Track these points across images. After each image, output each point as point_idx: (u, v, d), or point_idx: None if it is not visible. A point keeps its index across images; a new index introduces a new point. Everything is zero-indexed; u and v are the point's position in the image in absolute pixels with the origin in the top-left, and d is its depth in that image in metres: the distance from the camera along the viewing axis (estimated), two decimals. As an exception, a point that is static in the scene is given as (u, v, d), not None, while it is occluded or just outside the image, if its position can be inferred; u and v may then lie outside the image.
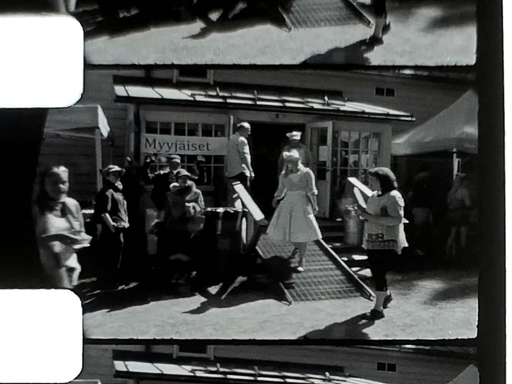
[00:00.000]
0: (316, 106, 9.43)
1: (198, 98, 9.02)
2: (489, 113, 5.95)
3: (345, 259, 8.78)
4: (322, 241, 8.96)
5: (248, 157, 9.25)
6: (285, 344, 7.06)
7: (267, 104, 9.31)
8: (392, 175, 7.87)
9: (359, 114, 9.53)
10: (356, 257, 8.66)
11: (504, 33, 5.94)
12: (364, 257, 8.02)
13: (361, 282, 8.33)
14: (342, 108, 9.43)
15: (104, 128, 8.41)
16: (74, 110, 6.53)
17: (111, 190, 8.21)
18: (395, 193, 7.73)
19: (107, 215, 8.13)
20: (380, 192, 7.80)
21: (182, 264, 8.54)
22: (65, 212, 6.62)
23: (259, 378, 7.14)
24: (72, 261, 6.59)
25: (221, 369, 7.07)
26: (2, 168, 5.94)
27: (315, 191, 8.79)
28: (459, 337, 6.75)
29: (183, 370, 7.16)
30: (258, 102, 9.20)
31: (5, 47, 5.83)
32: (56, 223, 6.54)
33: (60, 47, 5.86)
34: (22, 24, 5.81)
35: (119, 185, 8.29)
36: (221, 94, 9.02)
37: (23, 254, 5.99)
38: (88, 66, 6.08)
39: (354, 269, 8.56)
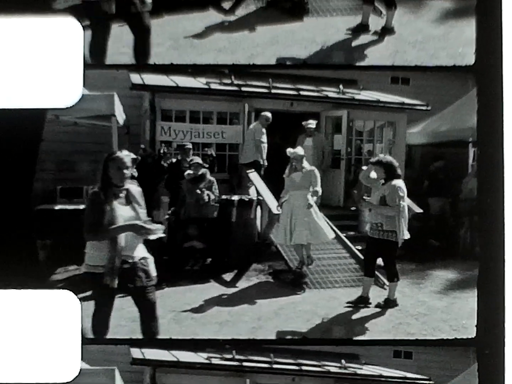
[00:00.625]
0: (331, 94, 9.36)
1: (213, 86, 8.96)
2: (489, 111, 5.92)
3: (359, 247, 8.77)
4: (336, 230, 8.98)
5: (264, 146, 9.25)
6: (284, 343, 7.12)
7: (282, 92, 9.24)
8: (395, 163, 7.77)
9: (374, 103, 9.44)
10: (370, 245, 8.64)
11: (504, 31, 5.90)
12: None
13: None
14: (357, 97, 9.34)
15: (120, 116, 8.41)
16: (91, 98, 6.56)
17: (125, 178, 8.25)
18: (397, 182, 7.66)
19: (121, 202, 8.16)
20: (383, 181, 7.74)
21: (197, 251, 8.60)
22: (129, 199, 6.27)
23: (275, 366, 7.14)
24: (142, 251, 6.26)
25: (237, 357, 7.06)
26: (1, 168, 5.97)
27: (319, 190, 8.59)
28: (458, 337, 6.74)
29: (199, 357, 7.16)
30: (273, 91, 9.13)
31: (4, 47, 5.89)
32: (120, 211, 6.17)
33: (60, 47, 5.90)
34: (22, 24, 5.85)
35: (134, 172, 8.32)
36: (236, 82, 8.98)
37: (23, 254, 6.01)
38: (88, 66, 6.11)
39: (368, 257, 8.54)
